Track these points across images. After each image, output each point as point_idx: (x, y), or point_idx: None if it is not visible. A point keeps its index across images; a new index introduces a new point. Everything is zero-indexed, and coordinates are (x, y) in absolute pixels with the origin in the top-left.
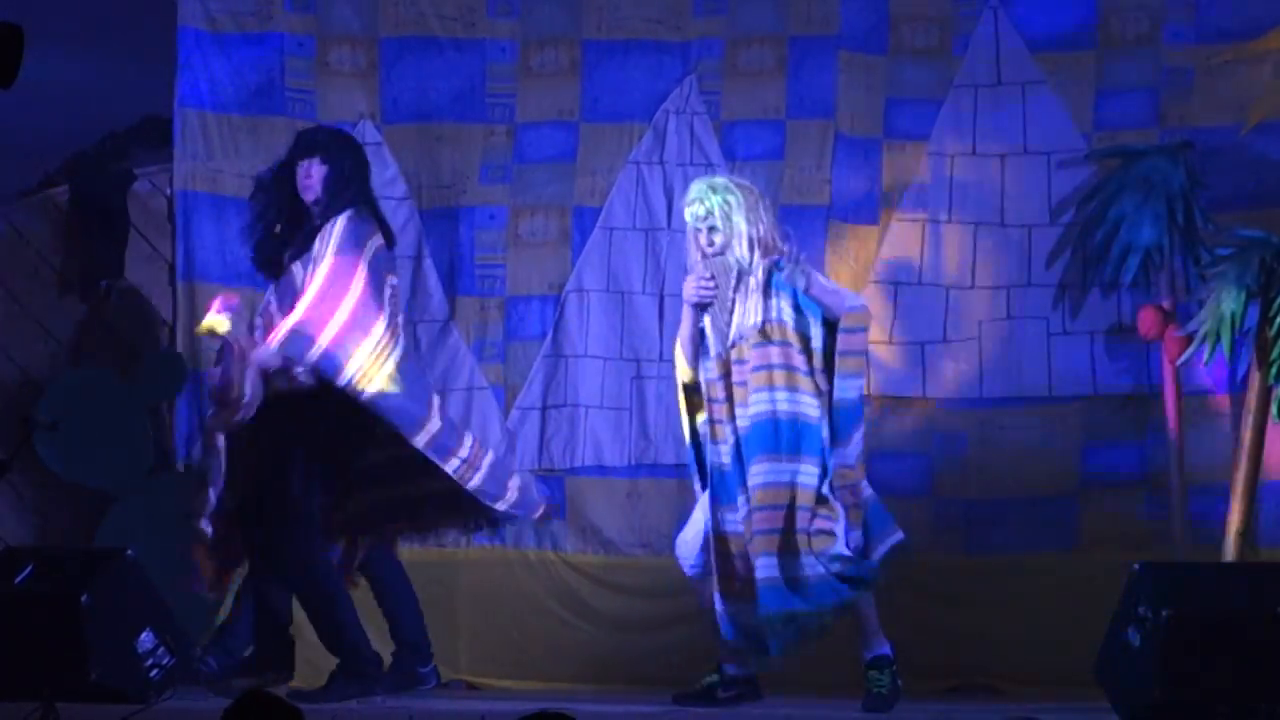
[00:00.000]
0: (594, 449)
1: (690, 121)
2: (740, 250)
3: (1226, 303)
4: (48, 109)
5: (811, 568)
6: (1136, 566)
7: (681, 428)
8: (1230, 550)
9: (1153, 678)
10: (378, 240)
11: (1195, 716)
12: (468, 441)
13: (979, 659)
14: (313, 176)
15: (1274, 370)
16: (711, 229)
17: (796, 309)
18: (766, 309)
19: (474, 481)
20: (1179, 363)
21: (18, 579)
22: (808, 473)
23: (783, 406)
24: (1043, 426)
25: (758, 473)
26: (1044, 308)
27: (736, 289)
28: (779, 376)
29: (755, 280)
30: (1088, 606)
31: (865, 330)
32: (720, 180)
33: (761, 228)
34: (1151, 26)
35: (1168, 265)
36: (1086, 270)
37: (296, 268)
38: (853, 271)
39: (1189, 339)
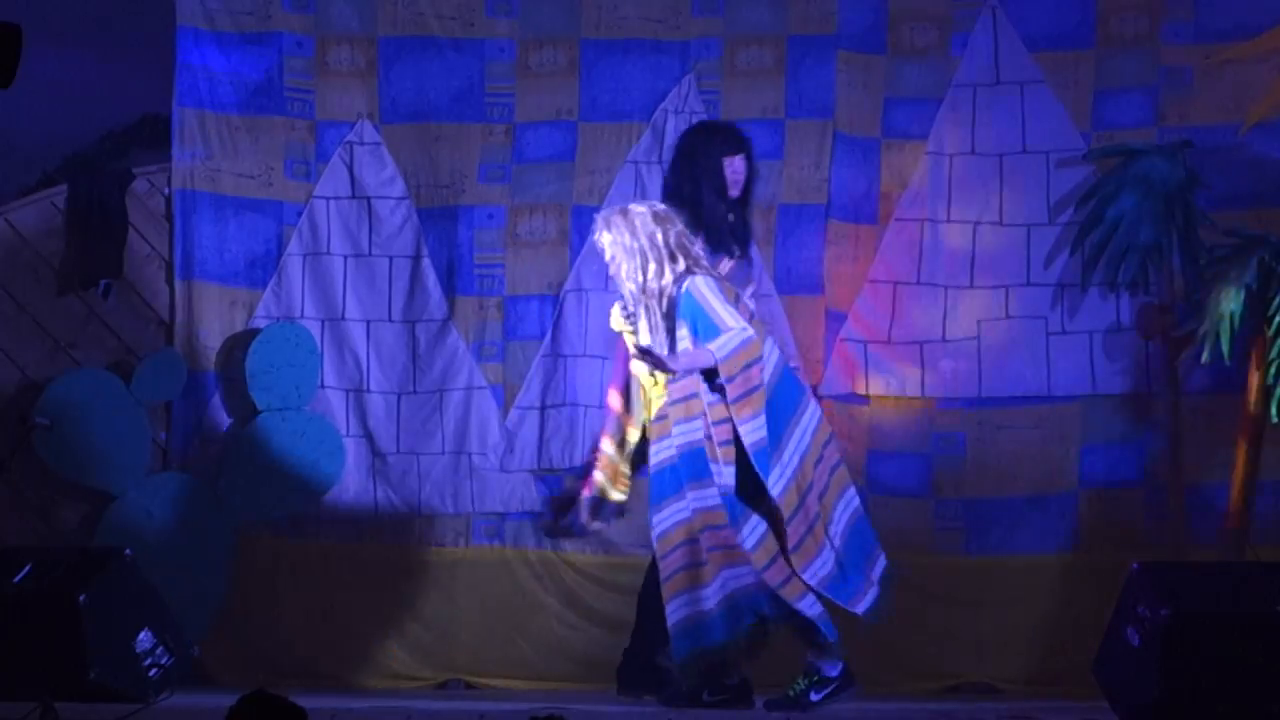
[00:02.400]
0: (593, 448)
1: (689, 121)
2: (627, 277)
3: (1225, 302)
4: (47, 109)
5: (713, 598)
6: (1136, 566)
7: None
8: (1229, 550)
9: (1152, 677)
10: None
11: (1195, 716)
12: None
13: (979, 659)
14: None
15: (1272, 370)
16: (611, 258)
17: (695, 333)
18: (672, 339)
19: None
20: (1178, 362)
21: (16, 578)
22: (707, 496)
23: (679, 440)
24: (1041, 426)
25: (660, 520)
26: (1043, 307)
27: (639, 317)
28: (678, 410)
29: (654, 306)
30: (1087, 606)
31: (755, 363)
32: (614, 208)
33: (650, 249)
34: (1150, 26)
35: (1166, 265)
36: (1085, 270)
37: None
38: (852, 271)
39: (1187, 338)
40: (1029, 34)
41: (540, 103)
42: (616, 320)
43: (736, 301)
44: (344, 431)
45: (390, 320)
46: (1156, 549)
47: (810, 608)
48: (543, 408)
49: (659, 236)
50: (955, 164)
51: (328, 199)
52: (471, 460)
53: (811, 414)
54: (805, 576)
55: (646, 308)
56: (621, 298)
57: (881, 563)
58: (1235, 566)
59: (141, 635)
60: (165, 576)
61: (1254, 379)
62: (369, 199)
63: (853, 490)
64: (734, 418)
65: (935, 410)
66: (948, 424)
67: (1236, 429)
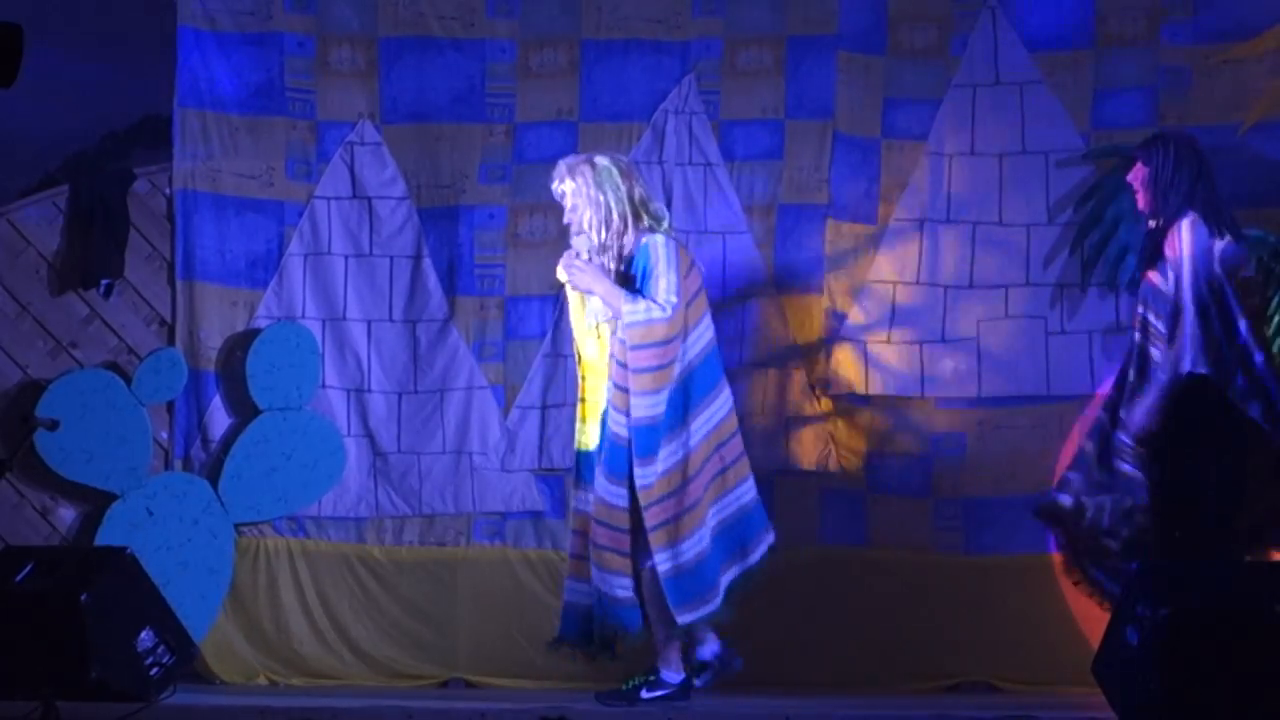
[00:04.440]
0: None
1: (689, 121)
2: (590, 229)
3: None
4: (48, 109)
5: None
6: (1135, 566)
7: None
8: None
9: (1152, 677)
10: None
11: (1195, 716)
12: None
13: (978, 658)
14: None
15: (1272, 369)
16: (573, 208)
17: (640, 285)
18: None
19: None
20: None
21: (18, 578)
22: (616, 494)
23: (611, 419)
24: (1041, 426)
25: (596, 496)
26: (1042, 307)
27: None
28: (616, 373)
29: (610, 261)
30: (1087, 606)
31: (657, 346)
32: (579, 157)
33: (615, 203)
34: (1149, 26)
35: None
36: (1084, 270)
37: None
38: (851, 271)
39: None
40: (1029, 34)
41: (541, 103)
42: (563, 271)
43: (690, 270)
44: (345, 431)
45: (391, 320)
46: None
47: (622, 590)
48: (543, 407)
49: (624, 191)
50: (955, 164)
51: (329, 199)
52: (472, 460)
53: (721, 405)
54: (652, 561)
55: (602, 262)
56: (570, 246)
57: (736, 570)
58: (1236, 567)
59: (143, 634)
60: (166, 575)
61: None
62: (370, 199)
63: (742, 490)
64: (629, 385)
65: (935, 410)
66: (948, 424)
67: None
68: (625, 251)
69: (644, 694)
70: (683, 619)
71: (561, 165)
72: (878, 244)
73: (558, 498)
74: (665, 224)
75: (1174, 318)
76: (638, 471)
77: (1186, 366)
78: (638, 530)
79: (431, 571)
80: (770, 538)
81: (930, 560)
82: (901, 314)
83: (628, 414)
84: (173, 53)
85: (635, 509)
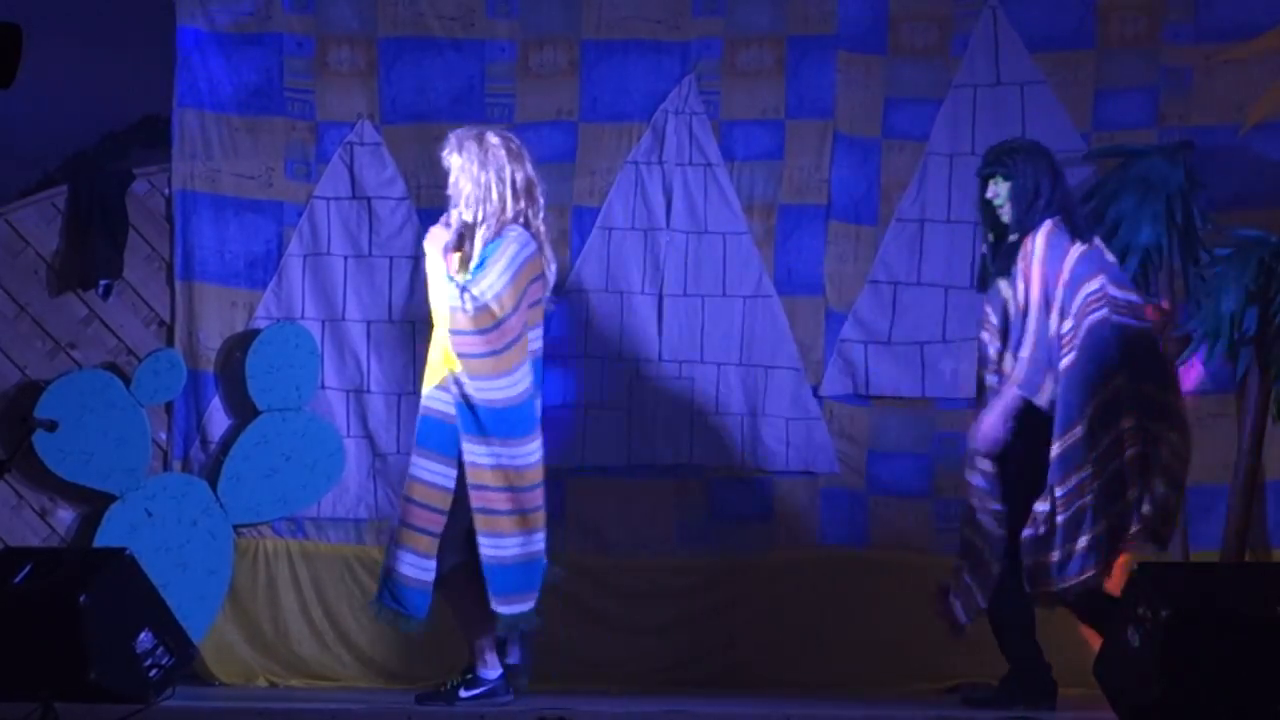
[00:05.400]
0: (593, 449)
1: (689, 121)
2: (465, 205)
3: (1225, 303)
4: (47, 109)
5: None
6: (1136, 566)
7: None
8: (1230, 550)
9: (1152, 677)
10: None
11: (1195, 716)
12: None
13: (979, 659)
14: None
15: (1273, 370)
16: (454, 181)
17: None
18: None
19: None
20: (1178, 363)
21: (17, 579)
22: (445, 475)
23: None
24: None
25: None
26: None
27: (460, 246)
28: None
29: (479, 239)
30: None
31: (471, 334)
32: (470, 131)
33: (495, 183)
34: (1150, 26)
35: (1166, 265)
36: None
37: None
38: (852, 271)
39: (1188, 339)
40: (1029, 34)
41: (540, 103)
42: (433, 239)
43: (535, 281)
44: (344, 432)
45: (390, 321)
46: (1157, 549)
47: (425, 573)
48: (543, 408)
49: (508, 173)
50: (955, 164)
51: (328, 199)
52: None
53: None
54: (467, 556)
55: (471, 239)
56: (445, 217)
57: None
58: (1236, 567)
59: (142, 636)
60: (165, 576)
61: (1254, 379)
62: (369, 199)
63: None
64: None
65: (935, 410)
66: (948, 424)
67: (1237, 429)
68: (493, 231)
69: (462, 694)
70: (502, 610)
71: (452, 136)
72: (878, 244)
73: (558, 498)
74: (540, 217)
75: (1021, 321)
76: (514, 450)
77: (1024, 371)
78: (457, 518)
79: None
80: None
81: (930, 560)
82: (902, 314)
83: (465, 394)
84: (172, 53)
85: (461, 495)
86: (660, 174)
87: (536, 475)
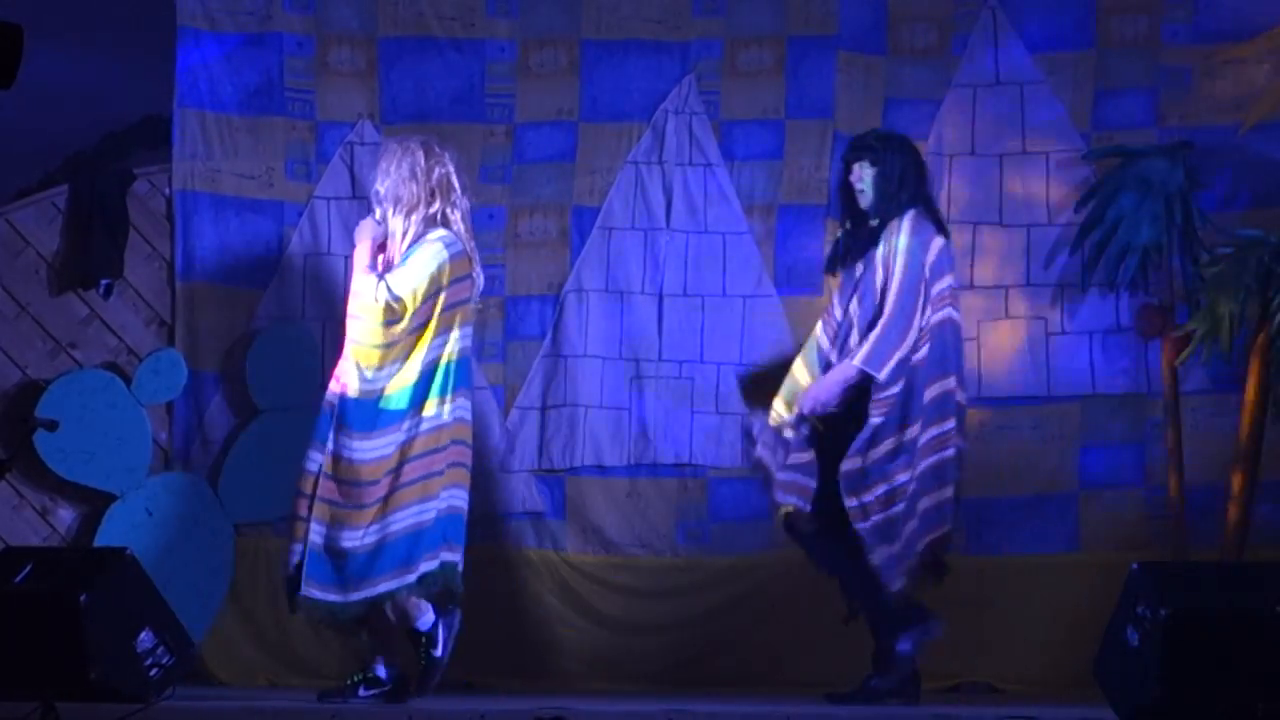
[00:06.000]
0: (593, 449)
1: (689, 121)
2: (388, 201)
3: (1225, 302)
4: (48, 109)
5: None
6: (1135, 566)
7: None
8: (1229, 550)
9: (1152, 677)
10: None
11: (1195, 716)
12: None
13: (979, 659)
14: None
15: (1272, 370)
16: (380, 180)
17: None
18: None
19: None
20: (1178, 362)
21: (17, 578)
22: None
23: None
24: (1041, 426)
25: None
26: (1042, 308)
27: (384, 245)
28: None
29: (399, 237)
30: (1087, 606)
31: (370, 322)
32: (404, 136)
33: (406, 188)
34: (1150, 26)
35: (1166, 265)
36: (1085, 270)
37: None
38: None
39: (1187, 338)
40: (1029, 34)
41: (541, 103)
42: (361, 229)
43: (459, 281)
44: None
45: None
46: (1157, 549)
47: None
48: (543, 408)
49: (421, 173)
50: (955, 164)
51: (328, 199)
52: None
53: (436, 416)
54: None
55: (392, 235)
56: (372, 214)
57: (382, 588)
58: (1236, 567)
59: (142, 635)
60: (165, 576)
61: (1254, 379)
62: (369, 199)
63: (432, 505)
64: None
65: None
66: None
67: (1236, 429)
68: (411, 230)
69: (361, 692)
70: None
71: (389, 140)
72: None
73: (558, 498)
74: (459, 216)
75: (875, 303)
76: (353, 442)
77: (871, 348)
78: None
79: None
80: (449, 556)
81: None
82: None
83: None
84: (172, 53)
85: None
86: (660, 174)
87: (371, 472)
